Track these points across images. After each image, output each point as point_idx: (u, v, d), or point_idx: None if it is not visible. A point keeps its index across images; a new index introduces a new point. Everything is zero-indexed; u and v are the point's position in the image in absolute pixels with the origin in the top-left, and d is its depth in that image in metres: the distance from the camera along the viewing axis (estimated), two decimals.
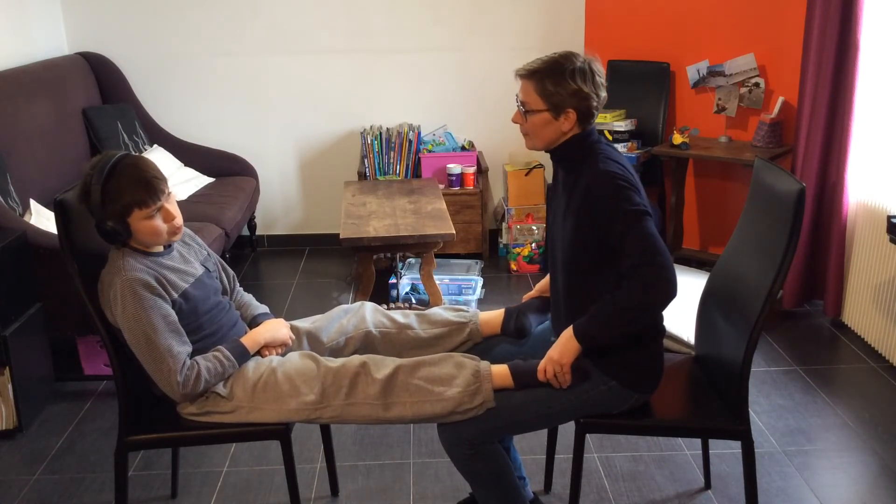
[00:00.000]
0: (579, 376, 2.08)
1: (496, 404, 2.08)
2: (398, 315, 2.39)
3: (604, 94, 2.08)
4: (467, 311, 2.40)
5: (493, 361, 2.20)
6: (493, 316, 2.37)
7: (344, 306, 2.43)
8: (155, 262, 2.12)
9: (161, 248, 2.18)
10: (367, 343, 2.35)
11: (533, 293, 2.45)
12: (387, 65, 4.89)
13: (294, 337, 2.33)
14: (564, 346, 2.04)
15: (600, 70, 2.07)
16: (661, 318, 2.16)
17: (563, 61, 2.03)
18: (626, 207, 1.95)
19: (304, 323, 2.39)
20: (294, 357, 2.20)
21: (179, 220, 2.15)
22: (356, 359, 2.15)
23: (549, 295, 2.38)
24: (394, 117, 4.97)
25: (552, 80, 2.02)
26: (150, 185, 2.06)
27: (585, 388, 2.10)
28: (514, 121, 2.13)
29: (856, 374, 3.41)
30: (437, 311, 2.41)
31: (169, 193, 2.12)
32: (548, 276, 2.41)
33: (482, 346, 2.36)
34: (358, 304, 2.43)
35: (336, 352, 2.33)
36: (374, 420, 2.10)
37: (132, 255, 2.10)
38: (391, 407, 2.08)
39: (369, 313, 2.38)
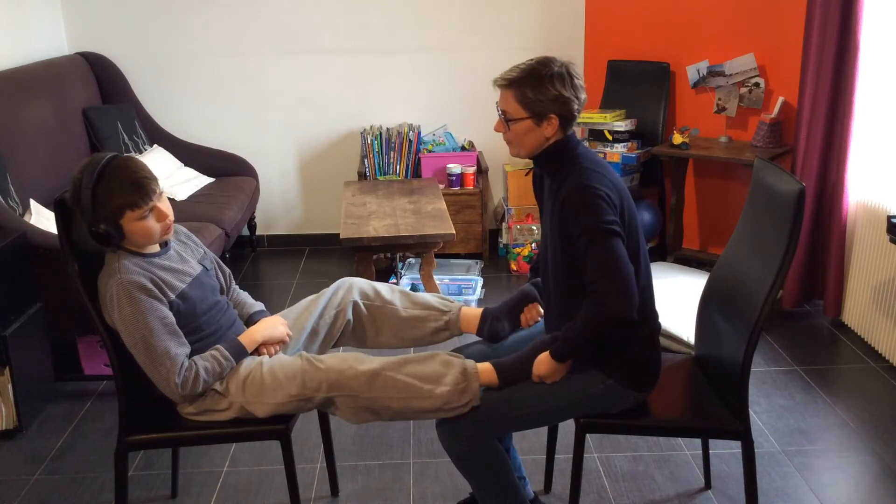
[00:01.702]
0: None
1: (494, 401, 2.09)
2: (385, 290, 2.43)
3: (583, 95, 2.07)
4: (452, 303, 2.43)
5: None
6: (474, 315, 2.39)
7: (335, 284, 2.46)
8: (151, 264, 2.12)
9: (156, 248, 2.18)
10: (353, 313, 2.40)
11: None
12: (387, 65, 4.89)
13: (291, 334, 2.34)
14: (551, 368, 2.07)
15: (578, 73, 2.07)
16: (655, 316, 2.17)
17: (541, 68, 2.03)
18: (592, 223, 1.95)
19: (294, 315, 2.40)
20: (283, 355, 2.21)
21: (171, 218, 2.15)
22: (339, 355, 2.16)
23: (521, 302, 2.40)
24: (394, 117, 4.97)
25: (531, 87, 2.02)
26: (141, 186, 2.05)
27: (583, 385, 2.11)
28: (497, 129, 2.13)
29: (856, 374, 3.41)
30: (423, 295, 2.45)
31: (161, 193, 2.12)
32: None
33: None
34: (348, 279, 2.47)
35: (328, 327, 2.38)
36: (360, 405, 2.10)
37: (127, 257, 2.10)
38: (376, 401, 2.09)
39: (357, 285, 2.44)
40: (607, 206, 1.97)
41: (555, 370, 2.08)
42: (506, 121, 2.08)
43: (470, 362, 2.12)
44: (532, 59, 2.06)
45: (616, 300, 1.93)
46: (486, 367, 2.12)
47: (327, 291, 2.44)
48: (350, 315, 2.41)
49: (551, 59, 2.05)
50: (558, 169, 2.08)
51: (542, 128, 2.05)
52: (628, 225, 2.03)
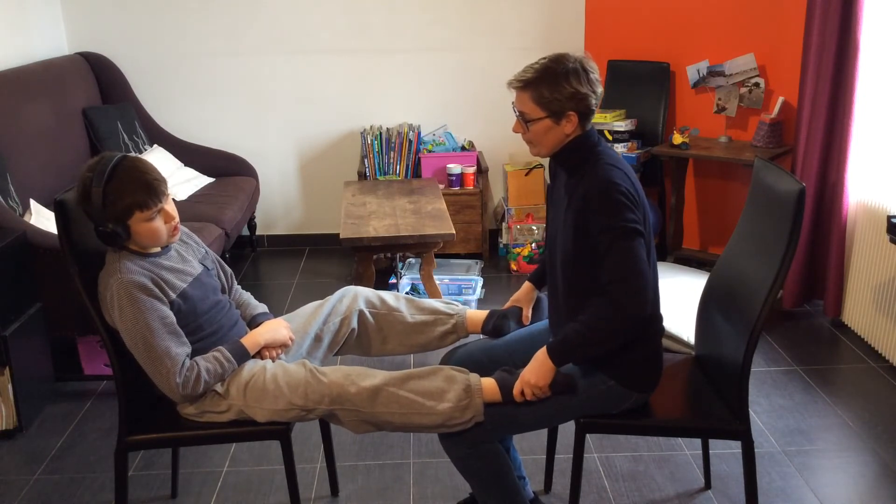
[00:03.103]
0: (565, 389, 2.07)
1: (497, 405, 2.09)
2: (390, 298, 2.44)
3: (600, 89, 2.05)
4: (458, 306, 2.45)
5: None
6: (480, 316, 2.40)
7: (338, 292, 2.46)
8: (152, 264, 2.12)
9: (158, 249, 2.18)
10: (358, 322, 2.41)
11: (511, 302, 2.46)
12: (387, 65, 4.89)
13: (294, 338, 2.33)
14: (539, 367, 2.04)
15: (593, 67, 2.05)
16: (659, 318, 2.16)
17: (555, 66, 2.01)
18: (616, 223, 1.94)
19: (299, 322, 2.40)
20: (286, 363, 2.21)
21: (177, 220, 2.16)
22: (342, 369, 2.16)
23: (521, 306, 2.42)
24: (394, 117, 4.97)
25: (547, 86, 2.00)
26: (151, 187, 2.06)
27: (584, 387, 2.10)
28: (515, 130, 2.11)
29: (856, 374, 3.41)
30: (428, 300, 2.47)
31: (168, 195, 2.12)
32: (525, 285, 2.44)
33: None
34: (352, 287, 2.49)
35: (332, 334, 2.38)
36: (362, 418, 2.10)
37: (129, 256, 2.10)
38: (378, 416, 2.09)
39: (362, 294, 2.45)
40: (630, 204, 1.96)
41: (543, 373, 2.03)
42: (524, 122, 2.07)
43: (474, 378, 2.10)
44: (545, 58, 2.04)
45: (633, 303, 1.93)
46: (489, 383, 2.10)
47: (331, 298, 2.44)
48: (355, 324, 2.41)
49: (565, 56, 2.03)
50: (578, 165, 2.07)
51: (562, 126, 2.04)
52: (643, 224, 2.02)
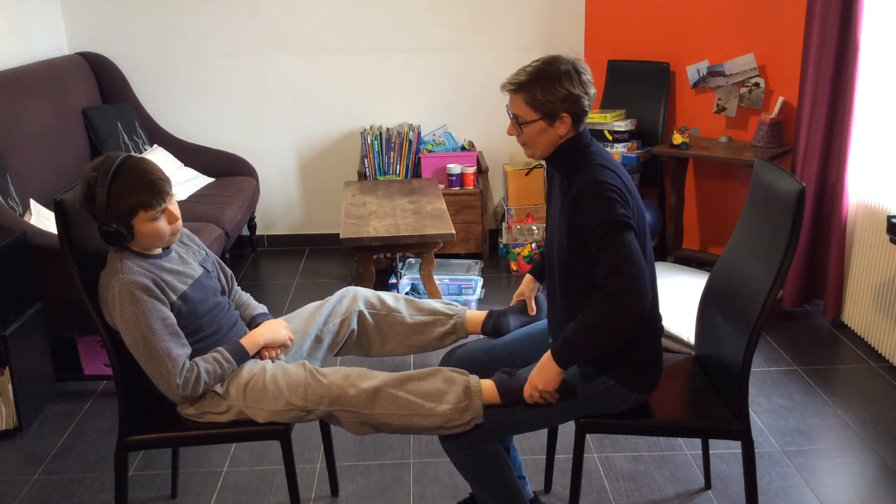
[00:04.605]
0: (567, 394, 2.07)
1: (497, 406, 2.09)
2: (389, 298, 2.45)
3: (593, 91, 2.06)
4: (457, 307, 2.46)
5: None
6: (479, 316, 2.41)
7: (338, 293, 2.47)
8: (153, 265, 2.12)
9: (160, 250, 2.18)
10: (358, 323, 2.41)
11: (516, 297, 2.47)
12: (387, 65, 4.89)
13: (293, 338, 2.34)
14: (547, 372, 2.03)
15: (586, 69, 2.06)
16: (659, 318, 2.16)
17: (548, 68, 2.02)
18: (607, 218, 1.95)
19: (299, 322, 2.40)
20: (286, 364, 2.21)
21: (180, 220, 2.16)
22: (342, 370, 2.16)
23: (524, 299, 2.44)
24: (394, 117, 4.97)
25: (540, 89, 2.01)
26: (155, 187, 2.07)
27: (584, 388, 2.10)
28: (510, 133, 2.12)
29: (856, 374, 3.41)
30: (427, 301, 2.47)
31: (172, 195, 2.13)
32: (527, 277, 2.45)
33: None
34: (351, 288, 2.49)
35: (332, 335, 2.39)
36: (362, 420, 2.10)
37: (130, 257, 2.10)
38: (378, 417, 2.09)
39: (361, 294, 2.45)
40: (620, 200, 1.97)
41: (551, 377, 2.03)
42: (518, 124, 2.07)
43: (473, 379, 2.10)
44: (538, 60, 2.05)
45: (630, 295, 1.92)
46: (488, 385, 2.10)
47: (331, 299, 2.44)
48: (355, 324, 2.41)
49: (557, 58, 2.04)
50: (571, 166, 2.07)
51: (556, 127, 2.04)
52: (637, 225, 2.02)
